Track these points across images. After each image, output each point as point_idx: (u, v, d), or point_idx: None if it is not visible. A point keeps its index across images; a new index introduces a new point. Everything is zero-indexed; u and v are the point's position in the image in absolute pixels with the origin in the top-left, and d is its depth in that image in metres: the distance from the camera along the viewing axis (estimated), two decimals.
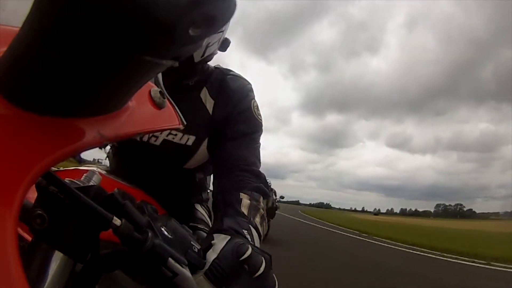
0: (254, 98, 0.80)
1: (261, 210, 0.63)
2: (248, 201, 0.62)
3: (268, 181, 0.75)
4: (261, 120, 0.79)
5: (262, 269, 0.39)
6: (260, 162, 0.75)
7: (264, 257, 0.41)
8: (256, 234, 0.55)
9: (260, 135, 0.79)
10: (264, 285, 0.39)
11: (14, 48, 0.21)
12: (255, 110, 0.78)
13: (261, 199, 0.65)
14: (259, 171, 0.72)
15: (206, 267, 0.38)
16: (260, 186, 0.67)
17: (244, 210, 0.59)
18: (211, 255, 0.40)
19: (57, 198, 0.28)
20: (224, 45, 0.80)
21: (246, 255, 0.39)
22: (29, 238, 0.30)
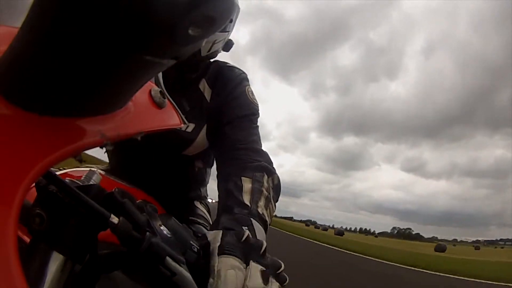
0: (248, 85, 0.82)
1: (265, 191, 0.60)
2: (250, 185, 0.60)
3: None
4: (256, 103, 0.80)
5: None
6: (260, 142, 0.74)
7: None
8: (259, 225, 0.52)
9: (257, 118, 0.79)
10: None
11: (14, 48, 0.21)
12: (250, 94, 0.80)
13: (265, 178, 0.63)
14: (261, 149, 0.71)
15: None
16: (261, 164, 0.65)
17: (246, 197, 0.57)
18: None
19: (56, 198, 0.28)
20: (227, 45, 0.83)
21: None
22: (27, 239, 0.30)
